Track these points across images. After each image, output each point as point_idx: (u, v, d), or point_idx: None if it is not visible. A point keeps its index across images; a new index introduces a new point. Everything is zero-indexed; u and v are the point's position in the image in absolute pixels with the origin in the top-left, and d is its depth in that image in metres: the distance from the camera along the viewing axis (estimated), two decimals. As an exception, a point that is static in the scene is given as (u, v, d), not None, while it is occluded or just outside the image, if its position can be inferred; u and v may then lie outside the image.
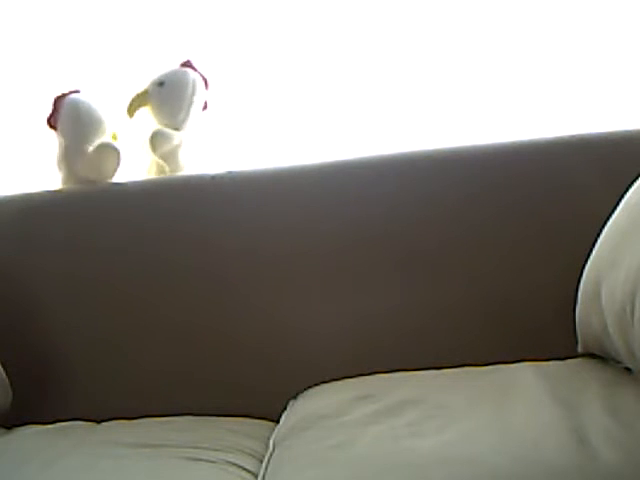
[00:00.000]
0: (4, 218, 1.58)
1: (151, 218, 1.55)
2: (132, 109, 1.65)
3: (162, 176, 1.63)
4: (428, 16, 1.82)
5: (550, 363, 1.27)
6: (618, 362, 1.19)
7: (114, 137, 1.65)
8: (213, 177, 1.56)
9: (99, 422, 1.41)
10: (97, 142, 1.61)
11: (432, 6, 1.82)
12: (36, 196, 1.61)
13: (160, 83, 1.64)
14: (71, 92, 1.64)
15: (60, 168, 1.64)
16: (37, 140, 1.71)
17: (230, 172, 1.58)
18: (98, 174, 1.61)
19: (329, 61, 1.85)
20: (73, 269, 1.53)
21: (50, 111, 1.63)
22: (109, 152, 1.61)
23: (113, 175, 1.62)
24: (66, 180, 1.64)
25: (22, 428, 1.38)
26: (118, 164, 1.61)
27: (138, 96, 1.65)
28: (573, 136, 1.52)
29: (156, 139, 1.62)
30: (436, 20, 1.82)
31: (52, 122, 1.63)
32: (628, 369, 1.16)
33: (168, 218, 1.55)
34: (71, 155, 1.62)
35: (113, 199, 1.59)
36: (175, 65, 1.67)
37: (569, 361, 1.29)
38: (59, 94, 1.63)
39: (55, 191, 1.63)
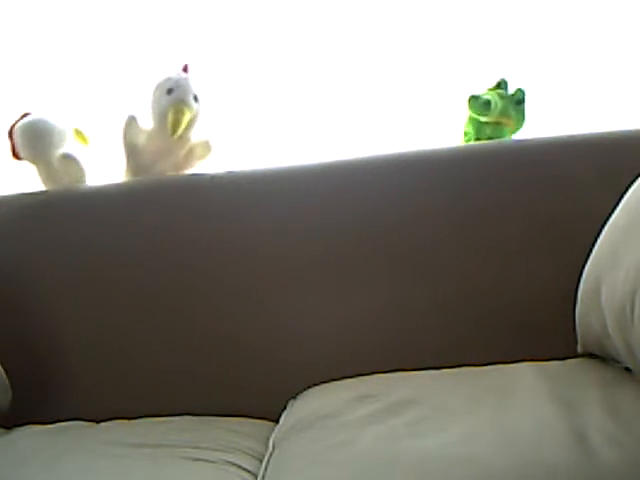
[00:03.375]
0: (4, 218, 1.58)
1: (151, 218, 1.55)
2: (181, 128, 1.59)
3: (162, 176, 1.63)
4: (428, 17, 1.82)
5: (550, 363, 1.27)
6: (618, 362, 1.19)
7: (78, 134, 1.63)
8: (213, 177, 1.56)
9: (99, 422, 1.41)
10: (59, 152, 1.60)
11: (431, 7, 1.82)
12: (36, 196, 1.61)
13: (195, 97, 1.61)
14: (20, 118, 1.61)
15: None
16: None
17: (230, 172, 1.58)
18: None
19: (329, 61, 1.86)
20: (73, 269, 1.53)
21: (10, 144, 1.60)
22: (69, 163, 1.60)
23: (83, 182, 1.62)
24: None
25: (22, 428, 1.38)
26: (82, 171, 1.61)
27: (190, 115, 1.60)
28: (573, 136, 1.52)
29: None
30: (435, 21, 1.82)
31: (17, 153, 1.61)
32: (628, 369, 1.16)
33: (168, 218, 1.54)
34: (45, 176, 1.62)
35: (112, 199, 1.59)
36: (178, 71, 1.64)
37: (569, 361, 1.29)
38: (10, 125, 1.60)
39: (55, 191, 1.62)
